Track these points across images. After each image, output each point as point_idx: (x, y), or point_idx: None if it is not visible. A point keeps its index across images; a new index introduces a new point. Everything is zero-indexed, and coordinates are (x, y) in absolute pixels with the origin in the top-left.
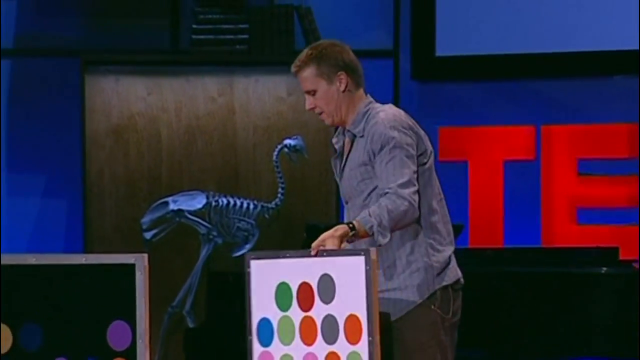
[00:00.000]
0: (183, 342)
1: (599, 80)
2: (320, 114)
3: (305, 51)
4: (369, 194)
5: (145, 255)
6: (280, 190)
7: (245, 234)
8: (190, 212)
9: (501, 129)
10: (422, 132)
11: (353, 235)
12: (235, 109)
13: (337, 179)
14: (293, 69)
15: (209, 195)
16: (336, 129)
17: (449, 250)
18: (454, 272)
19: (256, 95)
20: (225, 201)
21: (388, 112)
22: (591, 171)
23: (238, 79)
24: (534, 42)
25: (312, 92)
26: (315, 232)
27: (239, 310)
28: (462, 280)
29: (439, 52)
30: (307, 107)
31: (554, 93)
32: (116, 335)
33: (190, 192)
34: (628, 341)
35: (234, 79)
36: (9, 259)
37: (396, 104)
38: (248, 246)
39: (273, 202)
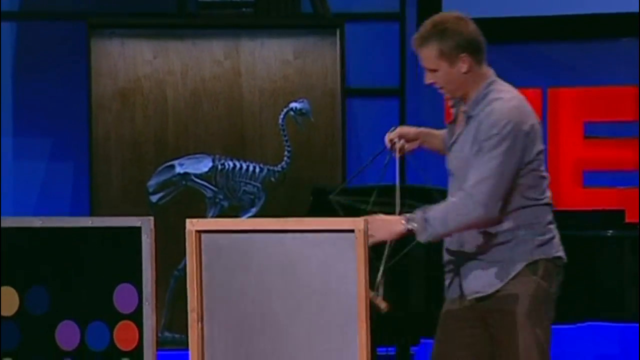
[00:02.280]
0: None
1: (606, 43)
2: (440, 88)
3: (428, 25)
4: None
5: (152, 219)
6: (286, 153)
7: (252, 197)
8: (196, 176)
9: None
10: (537, 127)
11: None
12: (241, 72)
13: (447, 146)
14: (414, 42)
15: (215, 158)
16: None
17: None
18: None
19: (262, 58)
20: (231, 164)
21: (505, 102)
22: (597, 134)
23: (244, 42)
24: (541, 5)
25: (433, 70)
26: (321, 195)
27: None
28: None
29: None
30: (426, 81)
31: (560, 56)
32: (122, 298)
33: (197, 156)
34: (634, 304)
35: (240, 42)
36: (15, 222)
37: (402, 67)
38: (254, 210)
39: (279, 166)
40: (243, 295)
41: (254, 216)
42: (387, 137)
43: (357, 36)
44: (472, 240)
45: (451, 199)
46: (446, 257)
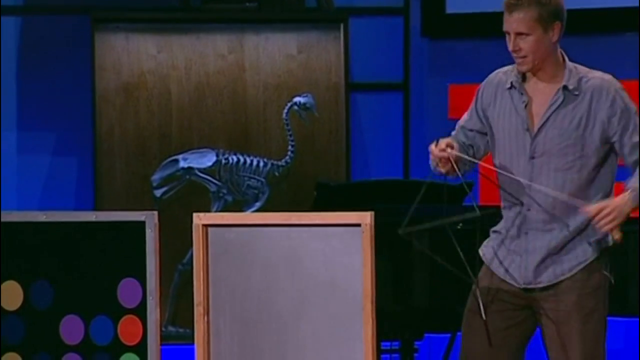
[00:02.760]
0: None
1: (607, 38)
2: (523, 57)
3: None
4: (573, 160)
5: (156, 213)
6: (290, 148)
7: (256, 191)
8: (200, 170)
9: None
10: None
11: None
12: (245, 66)
13: (518, 116)
14: (510, 4)
15: (219, 153)
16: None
17: None
18: None
19: (266, 52)
20: (235, 159)
21: (604, 75)
22: None
23: (248, 36)
24: None
25: (524, 35)
26: (325, 190)
27: None
28: None
29: (449, 9)
30: (511, 47)
31: (564, 50)
32: (127, 292)
33: (200, 150)
34: (637, 299)
35: (245, 36)
36: (19, 216)
37: (406, 62)
38: (258, 204)
39: (283, 160)
40: (249, 289)
41: (258, 211)
42: (437, 151)
43: (361, 31)
44: (548, 226)
45: None
46: (507, 244)
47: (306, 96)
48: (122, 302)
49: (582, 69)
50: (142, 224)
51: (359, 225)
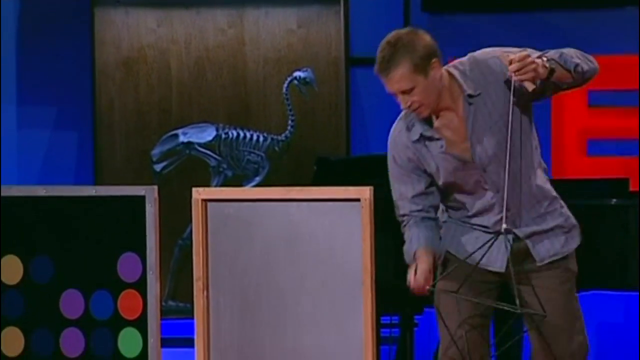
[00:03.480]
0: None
1: (610, 12)
2: (418, 108)
3: (386, 48)
4: (531, 149)
5: (155, 188)
6: (290, 122)
7: (255, 166)
8: (200, 145)
9: None
10: None
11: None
12: (245, 41)
13: (446, 156)
14: (381, 70)
15: (218, 127)
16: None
17: None
18: None
19: (266, 27)
20: (235, 133)
21: (475, 54)
22: (602, 103)
23: (248, 11)
24: None
25: (409, 90)
26: (325, 165)
27: None
28: None
29: None
30: (404, 106)
31: (565, 24)
32: (126, 267)
33: (200, 125)
34: (628, 273)
35: (245, 11)
36: (19, 191)
37: None
38: (258, 179)
39: (283, 135)
40: (248, 264)
41: (258, 185)
42: (418, 289)
43: (361, 5)
44: (531, 210)
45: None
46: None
47: (306, 71)
48: (122, 277)
49: (464, 62)
50: (142, 199)
51: (358, 200)
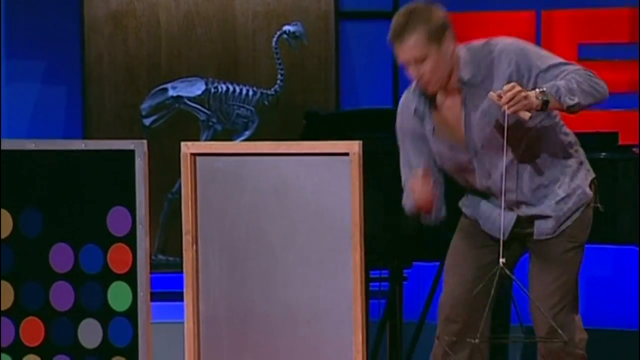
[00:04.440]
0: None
1: None
2: (428, 81)
3: (403, 16)
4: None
5: (145, 142)
6: (279, 76)
7: (245, 120)
8: (189, 99)
9: (500, 15)
10: None
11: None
12: None
13: (435, 138)
14: (395, 37)
15: (208, 81)
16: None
17: None
18: None
19: None
20: (224, 87)
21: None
22: (592, 56)
23: None
24: None
25: (421, 60)
26: (314, 119)
27: None
28: None
29: None
30: (415, 76)
31: None
32: (116, 221)
33: (190, 79)
34: (626, 226)
35: None
36: (8, 144)
37: None
38: (247, 133)
39: (272, 89)
40: (237, 218)
41: (248, 139)
42: (421, 191)
43: None
44: (532, 195)
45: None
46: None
47: (296, 24)
48: (111, 231)
49: (476, 46)
50: (131, 153)
51: (347, 154)
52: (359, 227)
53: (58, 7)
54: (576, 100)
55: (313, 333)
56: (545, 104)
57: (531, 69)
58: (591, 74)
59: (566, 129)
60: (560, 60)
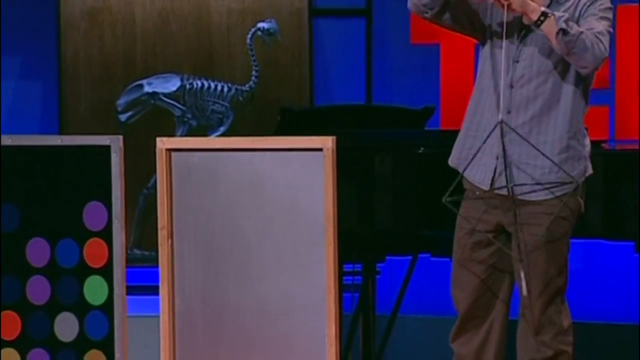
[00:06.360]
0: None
1: None
2: None
3: None
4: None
5: (121, 137)
6: (254, 73)
7: (220, 116)
8: (164, 95)
9: None
10: None
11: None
12: None
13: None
14: None
15: (183, 77)
16: None
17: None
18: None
19: None
20: (199, 84)
21: None
22: None
23: None
24: None
25: None
26: (288, 115)
27: None
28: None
29: None
30: None
31: None
32: (92, 216)
33: (165, 75)
34: (596, 221)
35: None
36: None
37: None
38: (222, 128)
39: (247, 85)
40: (213, 212)
41: (222, 135)
42: None
43: None
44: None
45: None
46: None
47: (270, 21)
48: (87, 225)
49: None
50: (107, 148)
51: (321, 149)
52: (332, 221)
53: (34, 4)
54: (571, 32)
55: (287, 326)
56: (544, 15)
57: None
58: (601, 35)
59: (583, 117)
60: (600, 28)
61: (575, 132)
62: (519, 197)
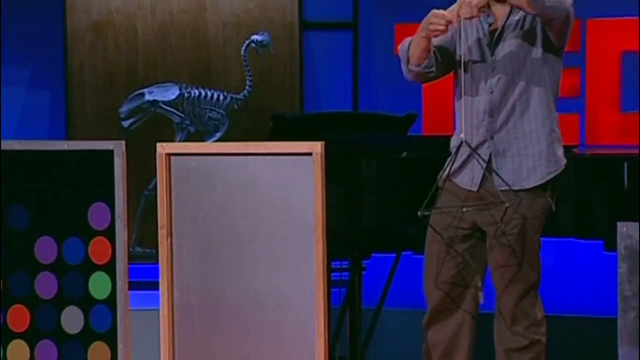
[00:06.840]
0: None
1: None
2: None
3: None
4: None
5: (123, 142)
6: (248, 82)
7: (216, 123)
8: (164, 103)
9: None
10: None
11: None
12: (206, 6)
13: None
14: None
15: (182, 86)
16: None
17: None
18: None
19: None
20: (197, 92)
21: None
22: None
23: None
24: None
25: None
26: (280, 121)
27: None
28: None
29: None
30: None
31: None
32: (96, 215)
33: (165, 84)
34: (567, 221)
35: None
36: None
37: (355, 2)
38: (218, 134)
39: (241, 94)
40: (209, 212)
41: (218, 140)
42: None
43: None
44: (520, 134)
45: None
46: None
47: (263, 34)
48: (92, 225)
49: None
50: (110, 153)
51: (310, 154)
52: (321, 221)
53: (42, 18)
54: None
55: (279, 318)
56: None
57: None
58: None
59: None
60: None
61: (552, 118)
62: (515, 187)
